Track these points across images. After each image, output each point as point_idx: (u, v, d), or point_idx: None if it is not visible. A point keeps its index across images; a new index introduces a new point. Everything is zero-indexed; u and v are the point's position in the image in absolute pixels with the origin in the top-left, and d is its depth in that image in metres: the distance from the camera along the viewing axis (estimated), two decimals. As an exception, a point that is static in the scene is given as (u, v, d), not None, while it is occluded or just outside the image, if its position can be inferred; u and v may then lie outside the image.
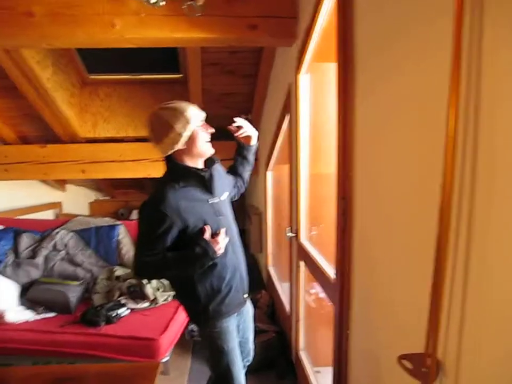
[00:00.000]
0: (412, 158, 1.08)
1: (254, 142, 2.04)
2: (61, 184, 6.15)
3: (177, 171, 1.75)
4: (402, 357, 1.07)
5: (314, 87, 2.41)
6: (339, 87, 1.62)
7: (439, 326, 0.94)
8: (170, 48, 3.70)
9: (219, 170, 1.94)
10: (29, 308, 3.00)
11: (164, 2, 2.30)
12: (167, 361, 2.80)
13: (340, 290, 1.71)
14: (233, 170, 2.12)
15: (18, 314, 2.91)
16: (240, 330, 2.04)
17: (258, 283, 4.67)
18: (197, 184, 1.76)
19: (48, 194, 6.06)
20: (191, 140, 1.71)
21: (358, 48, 1.46)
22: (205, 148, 1.78)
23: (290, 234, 2.72)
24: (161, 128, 1.67)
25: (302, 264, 2.59)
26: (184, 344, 3.19)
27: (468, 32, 0.80)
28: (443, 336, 0.96)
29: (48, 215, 5.95)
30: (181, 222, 1.67)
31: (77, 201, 6.73)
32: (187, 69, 3.59)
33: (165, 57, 3.99)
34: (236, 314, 1.93)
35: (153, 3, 2.28)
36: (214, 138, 4.66)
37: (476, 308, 0.84)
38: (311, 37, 2.10)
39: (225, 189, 1.93)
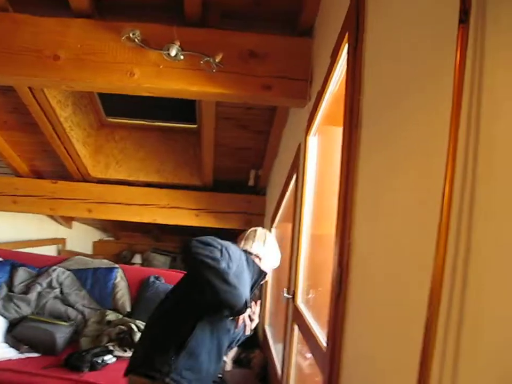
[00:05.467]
0: (411, 226, 1.05)
1: (248, 332, 2.08)
2: (68, 221, 6.18)
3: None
4: None
5: (322, 149, 2.43)
6: (343, 156, 1.62)
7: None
8: (188, 99, 3.80)
9: None
10: (12, 345, 2.92)
11: (182, 57, 2.39)
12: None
13: (330, 360, 1.64)
14: None
15: (0, 351, 2.83)
16: None
17: (254, 342, 4.51)
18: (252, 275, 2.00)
19: (54, 229, 6.09)
20: (264, 261, 2.08)
21: (364, 115, 1.48)
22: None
23: (287, 295, 2.66)
24: (259, 236, 2.12)
25: (296, 327, 2.50)
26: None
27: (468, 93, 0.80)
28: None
29: (51, 250, 5.95)
30: None
31: (81, 239, 6.75)
32: (201, 121, 3.67)
33: (183, 107, 4.10)
34: None
35: (173, 56, 2.37)
36: (223, 191, 4.72)
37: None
38: (322, 100, 2.14)
39: None
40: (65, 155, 4.12)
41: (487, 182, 0.75)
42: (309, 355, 2.61)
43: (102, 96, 4.00)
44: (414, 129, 1.06)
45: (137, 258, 6.70)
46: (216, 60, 2.37)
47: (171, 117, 4.35)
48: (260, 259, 2.07)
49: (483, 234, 0.74)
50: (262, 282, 2.10)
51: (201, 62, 2.39)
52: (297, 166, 2.72)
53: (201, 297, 1.77)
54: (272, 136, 3.68)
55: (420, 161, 1.02)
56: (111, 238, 7.38)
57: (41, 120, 3.56)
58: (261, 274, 2.02)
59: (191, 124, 4.32)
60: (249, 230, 2.17)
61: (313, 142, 2.43)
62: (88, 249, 6.90)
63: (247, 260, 1.97)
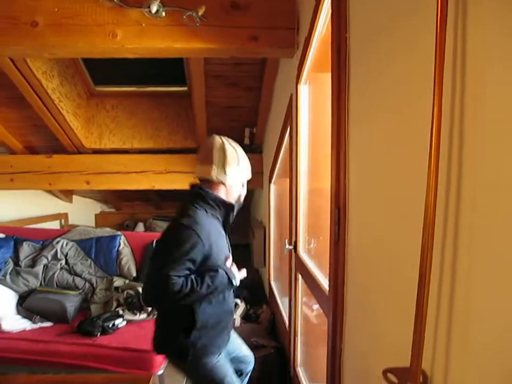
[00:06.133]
0: (403, 164, 1.04)
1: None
2: (67, 195, 6.19)
3: (211, 199, 1.80)
4: (388, 370, 1.02)
5: (314, 98, 2.40)
6: (333, 97, 1.59)
7: (423, 340, 0.89)
8: (177, 61, 3.73)
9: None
10: (25, 317, 2.98)
11: (164, 13, 2.32)
12: (162, 374, 2.75)
13: (333, 303, 1.66)
14: None
15: (14, 323, 2.89)
16: (231, 352, 2.05)
17: (261, 298, 4.61)
18: (219, 217, 1.85)
19: (55, 205, 6.11)
20: (238, 184, 1.91)
21: (352, 57, 1.44)
22: (240, 197, 1.95)
23: (288, 247, 2.68)
24: (231, 158, 1.82)
25: (300, 277, 2.54)
26: (181, 357, 3.13)
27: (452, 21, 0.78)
28: (430, 350, 0.92)
29: (54, 225, 5.98)
30: (208, 248, 1.71)
31: (83, 212, 6.77)
32: (191, 81, 3.60)
33: (171, 70, 4.02)
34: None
35: (154, 13, 2.31)
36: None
37: (463, 323, 0.80)
38: (310, 46, 2.09)
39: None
40: (57, 128, 4.07)
41: (473, 113, 0.74)
42: (315, 306, 2.67)
43: (88, 64, 3.92)
44: (400, 66, 1.04)
45: (140, 227, 6.75)
46: (199, 13, 2.31)
47: (161, 81, 4.28)
48: (224, 185, 1.85)
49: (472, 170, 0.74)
50: (235, 212, 1.94)
51: (184, 17, 2.32)
52: (290, 117, 2.69)
53: None
54: (263, 91, 3.62)
55: (409, 99, 1.00)
56: (112, 210, 7.40)
57: (28, 93, 3.50)
58: (228, 208, 1.87)
59: (182, 86, 4.26)
60: (203, 148, 1.91)
61: (304, 91, 2.39)
62: (91, 222, 6.94)
63: (212, 213, 1.81)
